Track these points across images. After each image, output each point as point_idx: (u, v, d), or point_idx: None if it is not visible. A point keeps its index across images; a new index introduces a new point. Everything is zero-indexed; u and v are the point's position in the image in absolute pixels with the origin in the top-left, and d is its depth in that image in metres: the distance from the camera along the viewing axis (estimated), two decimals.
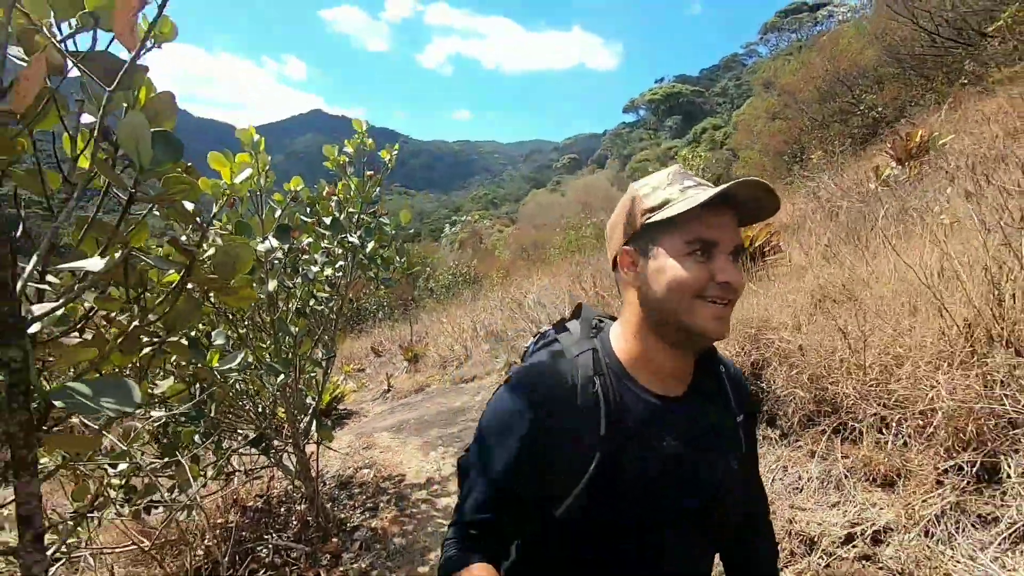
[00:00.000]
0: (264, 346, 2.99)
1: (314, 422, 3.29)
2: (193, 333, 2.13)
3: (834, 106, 15.07)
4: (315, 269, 2.91)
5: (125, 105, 1.00)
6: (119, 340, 1.21)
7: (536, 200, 59.35)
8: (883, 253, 3.19)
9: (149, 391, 1.85)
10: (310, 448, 3.51)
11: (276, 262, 2.75)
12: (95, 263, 1.09)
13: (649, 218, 0.78)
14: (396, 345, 9.95)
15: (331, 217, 2.98)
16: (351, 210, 3.03)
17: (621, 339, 0.85)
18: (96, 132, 0.90)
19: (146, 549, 2.33)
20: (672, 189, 0.78)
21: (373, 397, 7.45)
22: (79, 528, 2.83)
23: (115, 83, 0.93)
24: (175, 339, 1.35)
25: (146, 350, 1.33)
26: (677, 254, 0.76)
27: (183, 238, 1.43)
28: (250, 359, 2.60)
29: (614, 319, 0.96)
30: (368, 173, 3.07)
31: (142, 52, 0.95)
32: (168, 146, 1.06)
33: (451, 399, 5.64)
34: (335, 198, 3.01)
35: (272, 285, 2.66)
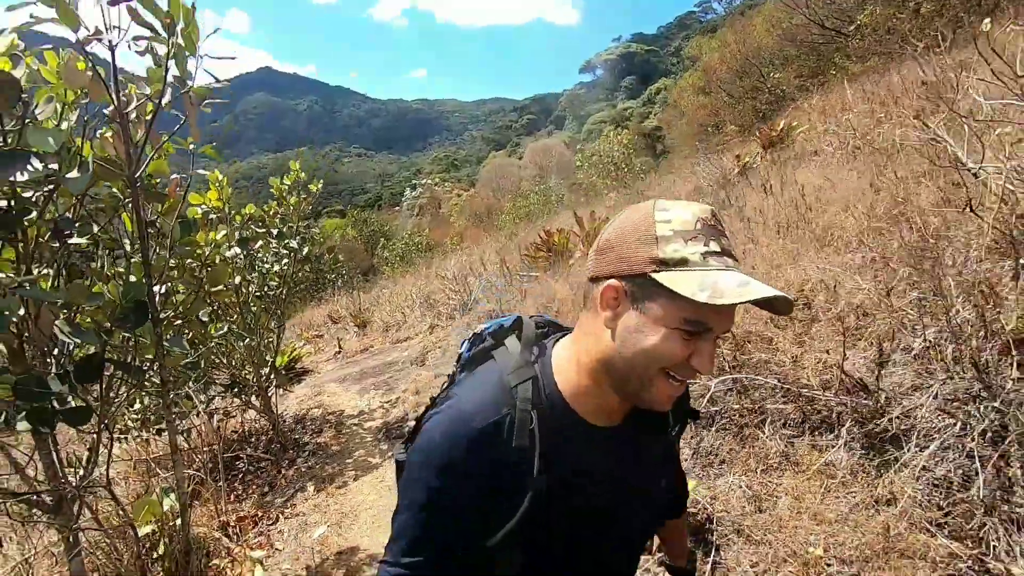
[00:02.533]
0: (232, 320, 4.30)
1: (273, 373, 4.66)
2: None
3: (747, 83, 16.57)
4: (267, 266, 4.22)
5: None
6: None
7: (494, 163, 60.06)
8: None
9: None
10: (271, 394, 4.88)
11: (239, 262, 4.04)
12: (159, 289, 2.45)
13: (657, 272, 0.68)
14: (349, 313, 11.23)
15: (277, 229, 4.28)
16: (291, 224, 4.32)
17: (568, 368, 0.81)
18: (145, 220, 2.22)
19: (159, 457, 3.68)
20: (695, 248, 0.68)
21: (327, 358, 8.79)
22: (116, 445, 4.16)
23: (164, 206, 2.27)
24: (193, 319, 2.72)
25: (176, 324, 2.71)
26: (668, 325, 0.68)
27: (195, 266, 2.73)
28: (224, 328, 3.93)
29: (555, 326, 0.95)
30: (304, 197, 4.35)
31: (181, 203, 2.27)
32: (186, 227, 2.40)
33: (387, 356, 7.06)
34: (280, 215, 4.30)
35: (237, 279, 3.97)
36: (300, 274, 4.48)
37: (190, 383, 4.15)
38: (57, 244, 1.82)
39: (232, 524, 3.33)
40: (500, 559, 0.80)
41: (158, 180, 2.30)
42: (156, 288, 2.33)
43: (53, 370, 1.88)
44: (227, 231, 3.25)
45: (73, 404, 1.80)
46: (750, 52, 16.06)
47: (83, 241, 1.82)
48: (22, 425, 1.70)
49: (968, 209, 2.32)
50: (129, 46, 1.77)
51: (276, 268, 4.25)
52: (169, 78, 1.85)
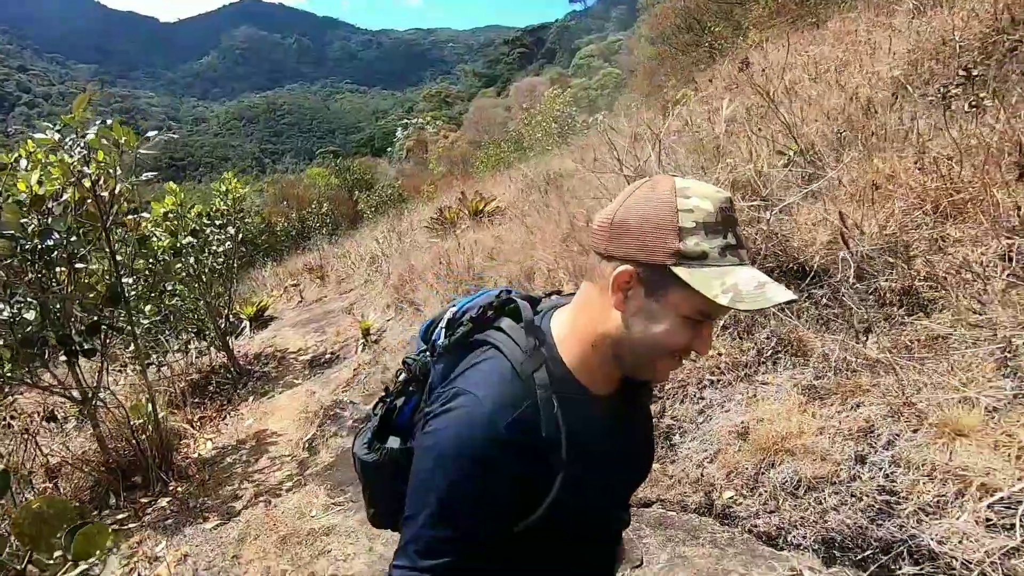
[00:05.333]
0: (196, 286, 6.01)
1: (226, 323, 6.44)
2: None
3: (687, 37, 17.43)
4: (214, 248, 5.90)
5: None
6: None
7: (479, 105, 59.90)
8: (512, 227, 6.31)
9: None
10: (243, 339, 6.67)
11: (192, 248, 5.72)
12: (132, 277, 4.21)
13: (676, 265, 0.70)
14: (313, 266, 12.95)
15: (220, 221, 5.92)
16: (230, 217, 5.96)
17: (573, 343, 0.81)
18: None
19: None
20: (715, 241, 0.70)
21: (293, 307, 10.58)
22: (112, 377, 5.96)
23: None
24: (155, 294, 4.47)
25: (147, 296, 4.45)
26: (679, 313, 0.72)
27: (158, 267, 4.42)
28: (177, 296, 5.65)
29: (533, 299, 0.93)
30: (236, 197, 5.96)
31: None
32: (142, 241, 4.11)
33: (331, 304, 8.85)
34: (221, 211, 5.93)
35: (191, 260, 5.67)
36: (239, 251, 6.15)
37: (164, 333, 5.94)
38: (69, 265, 3.51)
39: (195, 421, 5.19)
40: (523, 543, 0.81)
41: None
42: (126, 280, 4.02)
43: (75, 330, 3.62)
44: (170, 241, 4.92)
45: (87, 347, 3.55)
46: (691, 4, 16.82)
47: (84, 267, 3.50)
48: (63, 357, 3.46)
49: None
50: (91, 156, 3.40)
51: (221, 249, 5.93)
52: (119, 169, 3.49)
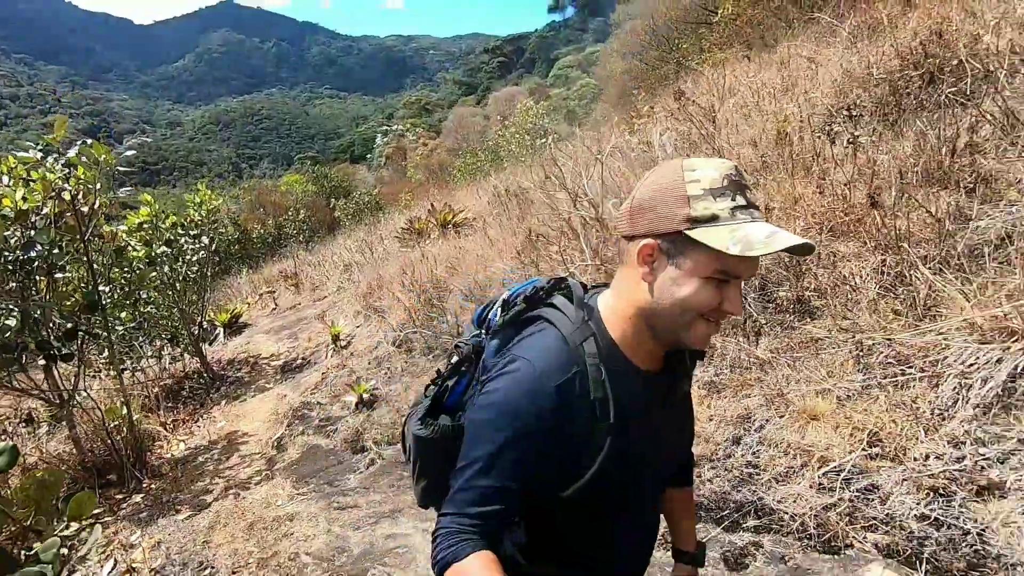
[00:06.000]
0: (170, 294, 6.22)
1: (199, 330, 6.65)
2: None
3: (656, 54, 18.06)
4: (188, 257, 6.12)
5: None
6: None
7: (458, 113, 60.38)
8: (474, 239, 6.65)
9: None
10: (217, 345, 6.86)
11: (166, 257, 5.94)
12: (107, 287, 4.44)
13: (690, 229, 0.76)
14: (289, 273, 13.11)
15: (194, 231, 6.15)
16: (203, 227, 6.19)
17: (616, 321, 0.88)
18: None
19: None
20: (724, 203, 0.76)
21: (267, 313, 10.75)
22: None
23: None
24: (130, 301, 4.72)
25: (122, 304, 4.70)
26: (701, 275, 0.77)
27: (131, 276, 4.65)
28: (151, 303, 5.87)
29: (583, 286, 0.98)
30: (210, 209, 6.19)
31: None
32: (119, 251, 4.37)
33: (304, 311, 9.07)
34: (195, 222, 6.15)
35: (166, 268, 5.88)
36: (212, 259, 6.37)
37: (139, 339, 6.14)
38: (48, 275, 3.74)
39: (168, 424, 5.40)
40: (569, 509, 0.88)
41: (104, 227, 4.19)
42: (102, 288, 4.25)
43: (53, 335, 3.84)
44: (145, 251, 5.15)
45: (64, 352, 3.77)
46: (658, 22, 17.47)
47: (63, 276, 3.74)
48: (41, 362, 3.68)
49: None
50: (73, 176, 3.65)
51: (195, 258, 6.15)
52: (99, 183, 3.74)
